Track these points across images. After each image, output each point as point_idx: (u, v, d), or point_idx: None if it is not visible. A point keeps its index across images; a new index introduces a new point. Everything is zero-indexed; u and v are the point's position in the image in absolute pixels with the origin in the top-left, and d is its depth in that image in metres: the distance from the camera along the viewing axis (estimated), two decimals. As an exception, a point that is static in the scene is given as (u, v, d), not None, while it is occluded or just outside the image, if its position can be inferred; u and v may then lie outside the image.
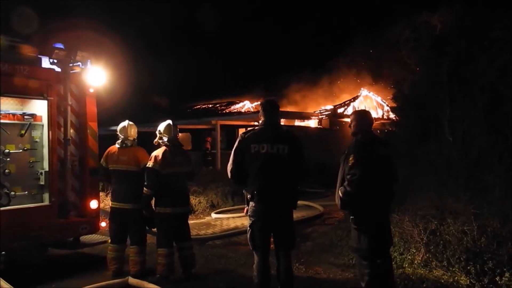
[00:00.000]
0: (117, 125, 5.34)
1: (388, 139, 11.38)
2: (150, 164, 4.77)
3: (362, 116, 3.90)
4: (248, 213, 3.80)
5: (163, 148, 4.88)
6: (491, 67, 7.46)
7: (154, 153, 4.84)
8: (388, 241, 3.84)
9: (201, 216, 9.15)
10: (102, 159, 5.24)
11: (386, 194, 3.75)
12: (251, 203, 3.73)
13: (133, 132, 5.28)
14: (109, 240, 5.15)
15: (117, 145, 5.20)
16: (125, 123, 5.27)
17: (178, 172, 4.83)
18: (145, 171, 4.79)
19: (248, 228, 3.81)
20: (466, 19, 8.99)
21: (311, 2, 32.41)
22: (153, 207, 4.90)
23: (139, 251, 4.95)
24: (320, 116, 17.94)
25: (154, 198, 4.87)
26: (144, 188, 4.78)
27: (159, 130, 5.01)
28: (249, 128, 3.90)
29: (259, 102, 4.57)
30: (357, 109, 19.68)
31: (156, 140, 5.06)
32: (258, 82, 24.45)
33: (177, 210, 4.78)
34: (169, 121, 5.02)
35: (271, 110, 3.87)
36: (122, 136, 5.21)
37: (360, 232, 3.65)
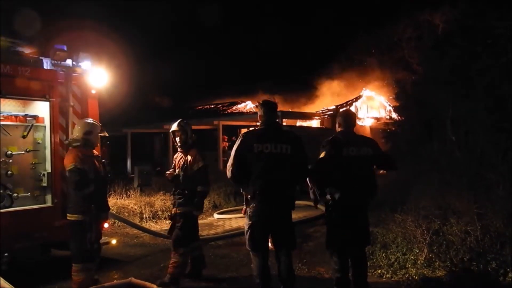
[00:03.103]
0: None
1: (391, 139, 11.38)
2: (205, 163, 4.71)
3: (343, 117, 4.04)
4: (248, 214, 3.77)
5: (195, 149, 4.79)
6: (495, 66, 7.43)
7: (197, 152, 4.74)
8: (361, 240, 3.89)
9: (204, 216, 9.14)
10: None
11: (359, 193, 3.79)
12: (252, 204, 3.71)
13: None
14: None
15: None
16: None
17: None
18: (203, 169, 4.70)
19: (247, 229, 3.78)
20: (469, 17, 8.95)
21: (312, 1, 32.39)
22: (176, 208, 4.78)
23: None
24: (322, 116, 17.89)
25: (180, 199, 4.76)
26: (204, 188, 4.73)
27: (188, 131, 4.83)
28: (251, 128, 3.90)
29: (256, 104, 4.58)
30: (359, 109, 19.65)
31: (189, 141, 4.82)
32: (260, 82, 24.43)
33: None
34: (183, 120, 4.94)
35: (271, 110, 3.90)
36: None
37: (330, 227, 3.85)
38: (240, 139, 3.79)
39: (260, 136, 3.75)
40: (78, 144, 4.46)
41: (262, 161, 3.66)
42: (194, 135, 4.86)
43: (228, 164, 3.81)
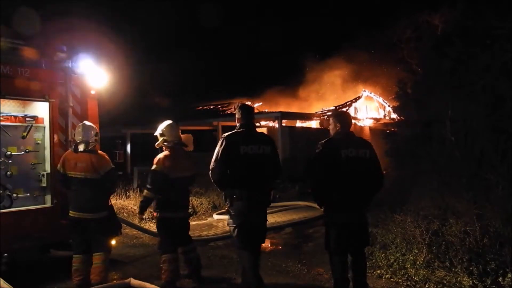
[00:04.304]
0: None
1: (390, 139, 11.39)
2: (157, 167, 4.58)
3: (340, 118, 4.08)
4: (234, 214, 3.86)
5: (167, 152, 4.69)
6: (494, 66, 7.44)
7: (160, 156, 4.65)
8: (360, 241, 3.91)
9: (203, 217, 9.16)
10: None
11: (357, 194, 3.83)
12: (238, 203, 3.82)
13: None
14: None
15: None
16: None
17: (183, 177, 4.70)
18: (151, 174, 4.60)
19: (235, 228, 3.84)
20: (468, 18, 8.97)
21: (312, 1, 32.40)
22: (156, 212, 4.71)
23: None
24: (321, 117, 17.90)
25: (155, 202, 4.70)
26: (147, 191, 4.63)
27: (161, 132, 4.78)
28: (234, 131, 3.98)
29: (234, 107, 4.64)
30: (359, 109, 19.66)
31: (158, 143, 4.80)
32: (259, 83, 24.45)
33: (180, 214, 4.73)
34: (170, 121, 4.83)
35: (249, 113, 4.09)
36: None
37: (328, 227, 3.91)
38: (224, 142, 3.84)
39: (245, 138, 3.89)
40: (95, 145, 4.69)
41: (249, 162, 3.81)
42: (166, 140, 4.70)
43: (212, 167, 3.85)
